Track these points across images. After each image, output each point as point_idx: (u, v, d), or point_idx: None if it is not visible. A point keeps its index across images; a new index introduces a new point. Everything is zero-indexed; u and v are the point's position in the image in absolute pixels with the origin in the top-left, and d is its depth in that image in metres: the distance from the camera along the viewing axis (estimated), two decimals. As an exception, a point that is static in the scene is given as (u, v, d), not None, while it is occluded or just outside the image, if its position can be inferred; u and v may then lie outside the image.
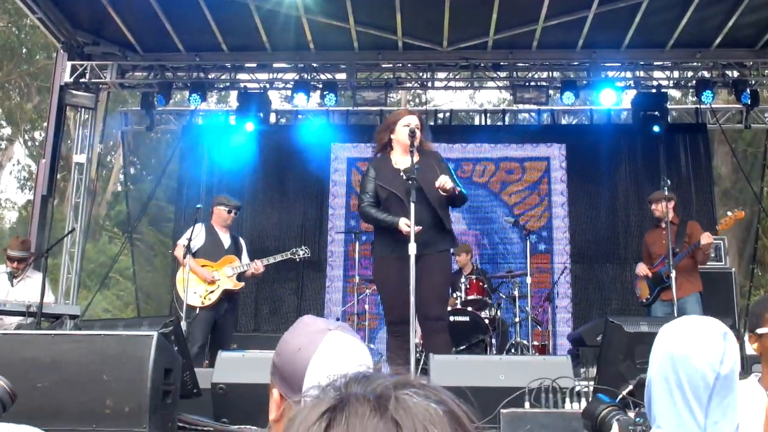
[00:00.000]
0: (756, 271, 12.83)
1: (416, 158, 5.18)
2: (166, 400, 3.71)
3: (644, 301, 7.59)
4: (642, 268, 7.63)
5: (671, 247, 7.17)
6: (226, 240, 7.55)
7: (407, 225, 4.91)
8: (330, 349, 1.63)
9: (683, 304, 7.20)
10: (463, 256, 8.89)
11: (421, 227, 4.89)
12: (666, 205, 7.28)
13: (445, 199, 5.27)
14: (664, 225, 7.27)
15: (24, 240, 7.96)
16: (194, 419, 4.02)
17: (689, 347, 1.99)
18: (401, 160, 5.29)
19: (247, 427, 3.75)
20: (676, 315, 7.04)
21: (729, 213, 7.29)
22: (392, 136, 5.42)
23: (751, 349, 2.85)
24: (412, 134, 5.18)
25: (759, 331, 2.72)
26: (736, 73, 10.45)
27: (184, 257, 7.05)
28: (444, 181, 5.04)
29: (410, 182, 4.93)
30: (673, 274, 6.79)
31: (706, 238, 7.12)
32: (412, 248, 4.77)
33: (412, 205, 4.85)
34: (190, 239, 7.11)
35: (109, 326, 5.85)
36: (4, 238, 17.07)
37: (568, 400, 3.74)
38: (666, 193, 7.29)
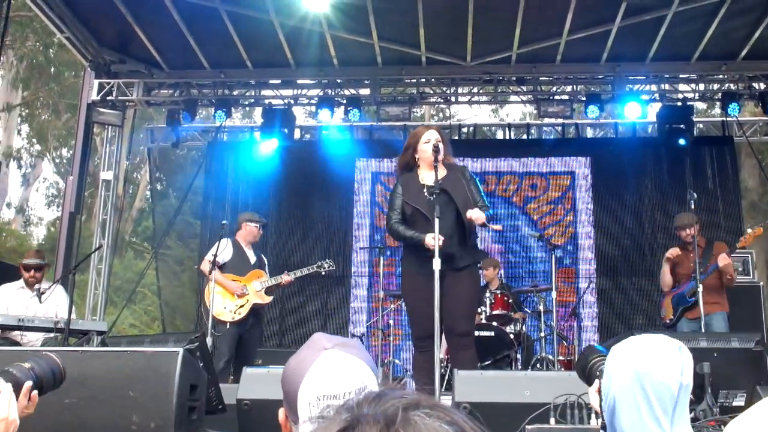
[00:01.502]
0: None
1: (442, 173, 5.19)
2: (192, 416, 3.72)
3: (668, 321, 7.46)
4: (667, 287, 7.53)
5: (698, 270, 7.12)
6: (251, 256, 7.60)
7: (434, 239, 4.89)
8: (322, 369, 1.62)
9: (709, 321, 7.11)
10: (491, 270, 8.85)
11: (444, 238, 4.85)
12: (696, 228, 7.23)
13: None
14: (691, 248, 7.14)
15: (38, 250, 8.00)
16: (219, 435, 4.03)
17: (653, 362, 2.10)
18: (427, 175, 5.29)
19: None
20: (703, 331, 6.99)
21: (749, 230, 7.20)
22: (416, 155, 5.43)
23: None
24: (435, 149, 5.19)
25: None
26: (762, 85, 10.36)
27: (210, 272, 7.10)
28: (476, 216, 5.05)
29: (433, 197, 4.94)
30: (700, 288, 6.70)
31: (722, 260, 6.98)
32: (437, 263, 4.77)
33: (437, 221, 4.84)
34: (215, 255, 7.17)
35: (135, 342, 5.89)
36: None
37: (593, 416, 3.70)
38: (692, 216, 7.26)
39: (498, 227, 5.44)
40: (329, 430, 0.85)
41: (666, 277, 7.56)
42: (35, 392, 1.93)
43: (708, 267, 7.20)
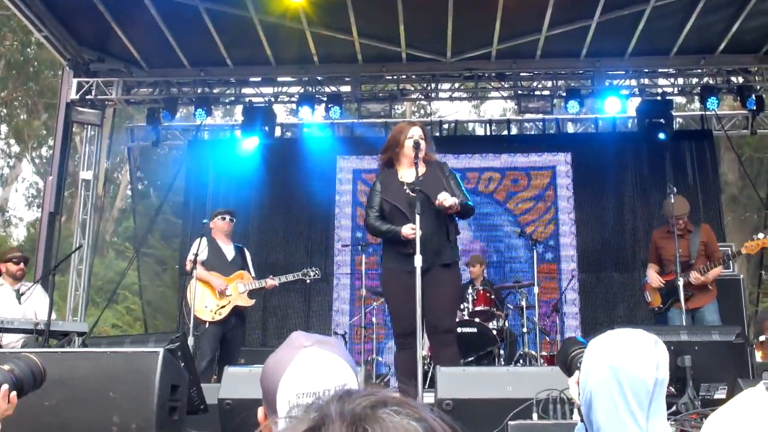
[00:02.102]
0: (764, 277, 12.79)
1: (422, 170, 5.17)
2: (173, 416, 3.70)
3: (656, 309, 7.43)
4: (654, 279, 7.43)
5: (686, 258, 7.17)
6: (229, 252, 7.57)
7: (412, 229, 4.92)
8: (300, 367, 1.62)
9: (702, 314, 7.16)
10: (477, 267, 8.88)
11: (422, 232, 4.83)
12: (686, 219, 7.30)
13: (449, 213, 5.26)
14: (680, 233, 7.17)
15: (19, 249, 7.98)
16: (201, 436, 4.02)
17: (628, 358, 2.10)
18: (407, 173, 5.27)
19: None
20: (693, 324, 7.05)
21: (756, 237, 6.97)
22: (398, 150, 5.39)
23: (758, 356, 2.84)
24: (416, 146, 5.17)
25: (761, 338, 2.73)
26: (740, 79, 10.43)
27: (191, 272, 7.08)
28: (443, 198, 5.02)
29: (414, 195, 4.93)
30: (681, 282, 6.73)
31: (694, 278, 7.01)
32: (418, 260, 4.76)
33: (417, 217, 4.83)
34: (196, 254, 7.15)
35: (116, 343, 5.85)
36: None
37: (576, 411, 3.71)
38: (686, 205, 7.30)
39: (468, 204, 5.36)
40: (297, 429, 0.84)
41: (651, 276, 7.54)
42: (14, 394, 1.93)
43: (702, 250, 7.17)
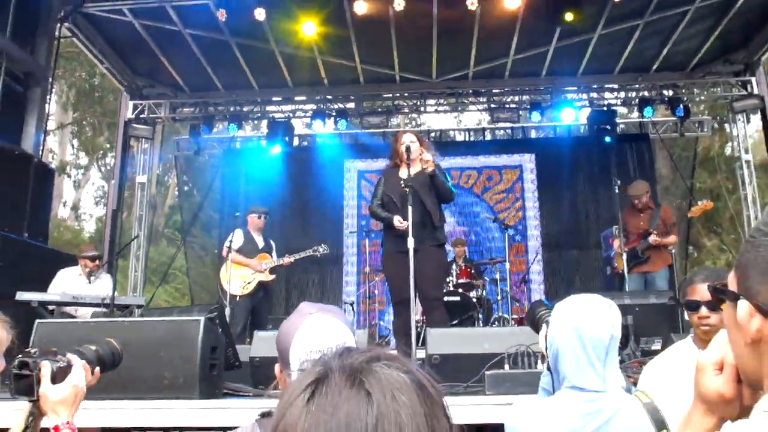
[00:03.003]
0: (691, 252, 12.78)
1: (416, 169, 5.23)
2: (213, 371, 3.69)
3: (619, 272, 7.20)
4: (617, 245, 7.27)
5: (646, 229, 7.23)
6: (260, 241, 7.58)
7: (400, 221, 5.10)
8: (308, 330, 1.66)
9: (654, 278, 7.18)
10: (460, 247, 8.90)
11: (407, 223, 4.93)
12: (648, 197, 7.42)
13: (436, 199, 5.27)
14: (641, 211, 7.35)
15: (93, 244, 8.00)
16: (236, 386, 4.00)
17: (588, 317, 2.11)
18: (404, 171, 5.28)
19: (278, 391, 3.74)
20: (645, 287, 7.13)
21: (700, 202, 7.06)
22: (396, 154, 5.45)
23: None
24: (407, 149, 5.22)
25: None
26: (671, 92, 10.40)
27: (226, 256, 7.12)
28: (427, 158, 5.19)
29: (406, 189, 4.96)
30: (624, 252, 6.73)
31: (654, 240, 7.01)
32: (411, 242, 4.82)
33: (409, 208, 4.88)
34: (231, 242, 7.17)
35: (166, 313, 5.85)
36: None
37: (539, 361, 3.70)
38: (645, 185, 7.35)
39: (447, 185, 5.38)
40: (305, 381, 0.83)
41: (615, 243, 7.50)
42: (97, 369, 2.00)
43: (661, 226, 7.17)
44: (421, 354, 4.57)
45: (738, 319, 0.90)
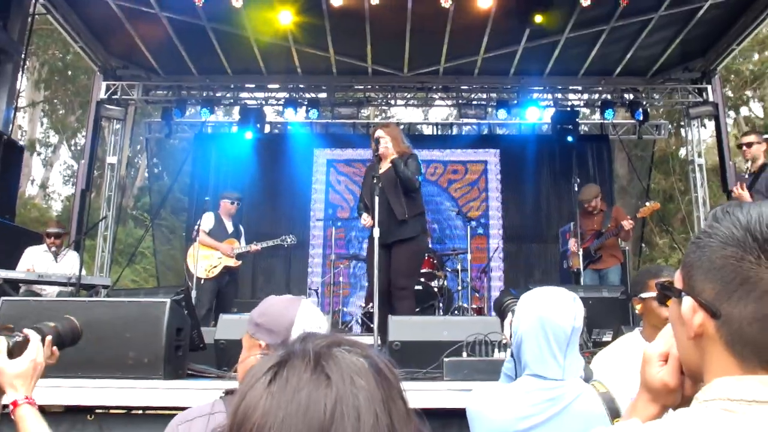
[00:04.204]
0: (644, 249, 13.03)
1: (387, 164, 5.28)
2: (178, 353, 3.67)
3: (575, 270, 7.41)
4: (573, 244, 7.47)
5: (598, 229, 7.38)
6: (229, 226, 7.54)
7: (364, 220, 5.32)
8: (307, 310, 1.95)
9: (606, 274, 7.34)
10: None
11: (370, 221, 5.09)
12: (599, 200, 7.52)
13: (403, 195, 5.27)
14: (594, 213, 7.50)
15: (58, 222, 7.87)
16: (201, 368, 3.98)
17: (553, 309, 2.14)
18: (380, 167, 5.29)
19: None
20: (599, 282, 7.27)
21: (647, 203, 7.12)
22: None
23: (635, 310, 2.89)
24: (376, 143, 5.24)
25: (643, 295, 2.76)
26: (631, 96, 10.57)
27: (194, 238, 7.06)
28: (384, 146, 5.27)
29: (376, 184, 4.99)
30: (578, 253, 6.82)
31: (627, 224, 7.07)
32: (376, 231, 4.88)
33: (376, 203, 4.94)
34: (199, 224, 7.11)
35: (132, 294, 5.78)
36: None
37: (497, 350, 3.75)
38: (596, 189, 7.46)
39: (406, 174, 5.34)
40: (267, 364, 0.84)
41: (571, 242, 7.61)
42: (56, 348, 1.96)
43: (612, 228, 7.30)
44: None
45: (682, 314, 0.93)
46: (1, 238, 6.98)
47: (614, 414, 1.94)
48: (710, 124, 12.58)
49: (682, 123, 11.42)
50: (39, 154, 22.08)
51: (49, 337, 1.90)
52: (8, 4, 8.00)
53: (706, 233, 0.91)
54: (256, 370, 0.84)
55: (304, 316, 1.91)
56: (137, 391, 3.34)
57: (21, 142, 10.65)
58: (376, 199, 4.92)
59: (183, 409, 3.27)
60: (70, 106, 21.52)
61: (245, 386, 0.83)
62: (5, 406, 1.75)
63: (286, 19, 8.36)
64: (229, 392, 1.83)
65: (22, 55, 8.32)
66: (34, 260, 7.04)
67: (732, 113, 18.85)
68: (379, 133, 5.39)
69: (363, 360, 0.84)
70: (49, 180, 22.80)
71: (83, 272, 6.72)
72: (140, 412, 3.36)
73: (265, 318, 1.94)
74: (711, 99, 10.16)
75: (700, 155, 10.73)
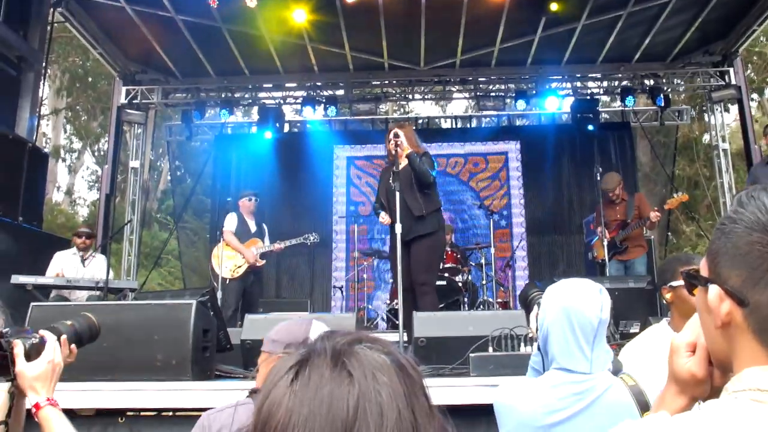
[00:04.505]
0: (670, 238, 12.87)
1: (404, 162, 5.30)
2: (205, 354, 3.70)
3: (600, 261, 7.29)
4: (600, 232, 7.25)
5: (622, 219, 7.30)
6: (252, 225, 7.57)
7: (382, 218, 5.45)
8: (319, 327, 2.09)
9: (632, 264, 7.26)
10: (448, 234, 8.87)
11: (388, 219, 5.26)
12: (621, 188, 7.43)
13: (419, 191, 5.28)
14: (617, 202, 7.40)
15: (88, 224, 7.96)
16: (227, 368, 4.02)
17: (578, 301, 2.11)
18: (395, 166, 5.31)
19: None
20: (625, 273, 7.18)
21: (675, 195, 7.03)
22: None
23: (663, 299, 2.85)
24: (393, 144, 5.26)
25: (673, 284, 2.72)
26: (652, 82, 10.43)
27: (219, 240, 7.13)
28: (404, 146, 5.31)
29: (392, 184, 5.01)
30: (603, 243, 6.76)
31: (654, 216, 7.00)
32: (398, 227, 4.88)
33: (396, 201, 4.93)
34: (225, 225, 7.18)
35: (159, 297, 5.84)
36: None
37: (522, 344, 3.73)
38: (618, 177, 7.39)
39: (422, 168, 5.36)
40: (289, 362, 0.84)
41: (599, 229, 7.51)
42: (74, 345, 1.97)
43: (636, 217, 7.22)
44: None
45: (708, 303, 0.91)
46: (29, 245, 7.09)
47: (643, 407, 1.92)
48: (733, 108, 12.38)
49: (705, 107, 11.25)
50: (64, 160, 22.40)
51: (64, 336, 1.92)
52: (28, 15, 8.12)
53: (731, 219, 0.90)
54: (279, 368, 0.84)
55: (317, 331, 2.04)
56: (166, 393, 3.38)
57: (45, 150, 10.78)
58: (397, 195, 4.93)
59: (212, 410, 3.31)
60: (92, 112, 21.78)
61: (269, 384, 0.84)
62: (28, 410, 1.76)
63: (300, 17, 8.38)
64: (253, 391, 1.91)
65: (43, 64, 8.44)
66: (63, 264, 7.14)
67: (756, 96, 18.53)
68: (394, 131, 5.43)
69: (385, 357, 0.84)
70: (74, 186, 23.13)
71: (111, 276, 6.80)
72: (170, 414, 3.40)
73: (282, 334, 2.13)
74: (733, 82, 9.99)
75: (724, 140, 10.57)
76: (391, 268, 5.62)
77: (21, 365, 1.74)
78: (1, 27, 7.47)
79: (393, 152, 5.27)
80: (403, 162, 5.30)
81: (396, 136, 5.35)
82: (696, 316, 1.03)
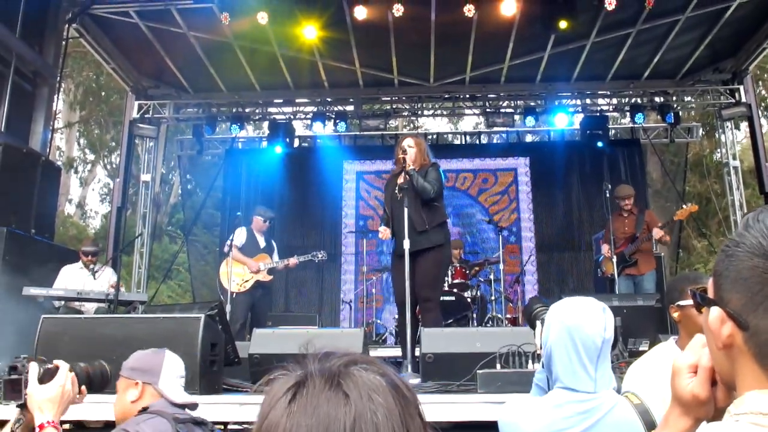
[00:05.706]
0: (681, 255, 12.81)
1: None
2: (213, 367, 3.71)
3: (609, 276, 7.22)
4: (606, 250, 7.30)
5: (632, 233, 7.28)
6: (261, 241, 7.59)
7: (381, 233, 5.29)
8: (171, 356, 2.63)
9: (641, 281, 7.21)
10: (455, 249, 8.85)
11: (388, 232, 5.19)
12: (632, 201, 7.44)
13: (422, 205, 5.18)
14: (626, 215, 7.38)
15: (94, 239, 7.98)
16: (235, 382, 4.02)
17: (581, 320, 2.09)
18: (401, 178, 5.28)
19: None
20: (634, 290, 7.17)
21: (684, 206, 7.04)
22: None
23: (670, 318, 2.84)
24: (403, 152, 5.23)
25: (681, 303, 2.70)
26: (661, 99, 10.42)
27: (228, 253, 7.13)
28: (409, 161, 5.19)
29: (398, 194, 4.99)
30: (612, 258, 6.74)
31: (657, 233, 6.99)
32: (407, 243, 4.85)
33: (405, 211, 4.91)
34: (232, 240, 7.19)
35: (168, 310, 5.84)
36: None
37: (530, 361, 3.72)
38: (630, 188, 7.43)
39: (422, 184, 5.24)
40: (286, 384, 0.85)
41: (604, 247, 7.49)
42: (84, 387, 2.08)
43: (645, 232, 7.21)
44: (417, 353, 4.57)
45: (709, 324, 0.92)
46: (40, 257, 7.13)
47: (649, 426, 1.90)
48: (744, 125, 12.35)
49: (715, 125, 11.22)
50: (76, 172, 22.56)
51: (72, 374, 2.01)
52: (42, 30, 8.23)
53: (734, 242, 0.90)
54: (276, 390, 0.85)
55: (170, 360, 2.52)
56: (174, 406, 3.38)
57: (58, 163, 10.87)
58: (405, 210, 4.92)
59: (219, 423, 3.31)
60: (105, 125, 21.96)
61: (266, 406, 0.85)
62: (33, 429, 1.85)
63: (310, 34, 8.43)
64: (144, 410, 2.26)
65: (58, 78, 8.54)
66: (72, 278, 7.16)
67: (767, 113, 18.46)
68: (408, 141, 5.36)
69: (380, 378, 0.85)
70: (86, 199, 23.29)
71: (121, 288, 6.83)
72: (177, 427, 3.39)
73: (139, 363, 2.48)
74: (744, 100, 9.97)
75: (734, 157, 10.53)
76: (394, 285, 5.48)
77: (32, 386, 1.86)
78: (17, 42, 7.59)
79: (402, 161, 5.24)
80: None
81: (408, 146, 5.28)
82: (698, 337, 1.03)
